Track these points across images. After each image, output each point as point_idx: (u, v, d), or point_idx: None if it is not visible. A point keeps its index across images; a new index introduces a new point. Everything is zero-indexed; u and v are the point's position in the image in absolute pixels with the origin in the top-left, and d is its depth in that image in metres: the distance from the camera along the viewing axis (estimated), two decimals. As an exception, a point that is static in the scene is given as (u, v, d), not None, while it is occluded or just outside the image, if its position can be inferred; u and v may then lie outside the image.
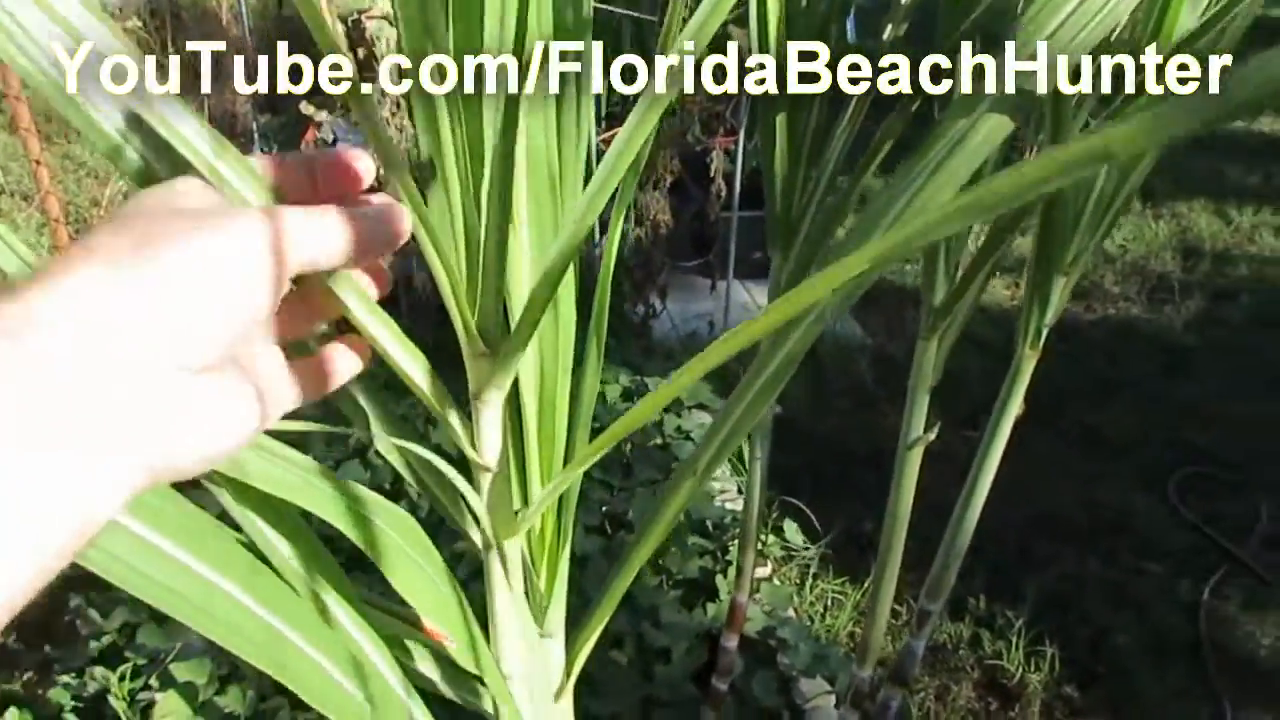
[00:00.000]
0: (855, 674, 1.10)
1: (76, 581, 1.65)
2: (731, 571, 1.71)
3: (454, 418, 0.50)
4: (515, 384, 0.60)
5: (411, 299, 2.66)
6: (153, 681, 1.45)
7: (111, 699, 1.44)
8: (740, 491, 2.13)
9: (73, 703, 1.47)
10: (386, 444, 0.55)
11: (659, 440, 2.05)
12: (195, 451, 0.31)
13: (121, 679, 1.45)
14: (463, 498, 0.52)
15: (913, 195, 0.62)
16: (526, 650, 0.61)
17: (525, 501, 0.61)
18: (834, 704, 1.58)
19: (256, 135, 3.23)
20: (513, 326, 0.48)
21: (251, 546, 0.51)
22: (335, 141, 3.40)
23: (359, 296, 0.42)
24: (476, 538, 0.56)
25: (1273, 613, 2.09)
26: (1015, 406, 0.99)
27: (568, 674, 0.66)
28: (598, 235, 2.56)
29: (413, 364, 0.47)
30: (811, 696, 1.56)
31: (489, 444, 0.50)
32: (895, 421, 2.81)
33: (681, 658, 1.54)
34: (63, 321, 0.27)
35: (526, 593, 0.63)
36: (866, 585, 2.08)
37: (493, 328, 0.47)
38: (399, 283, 2.64)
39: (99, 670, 1.47)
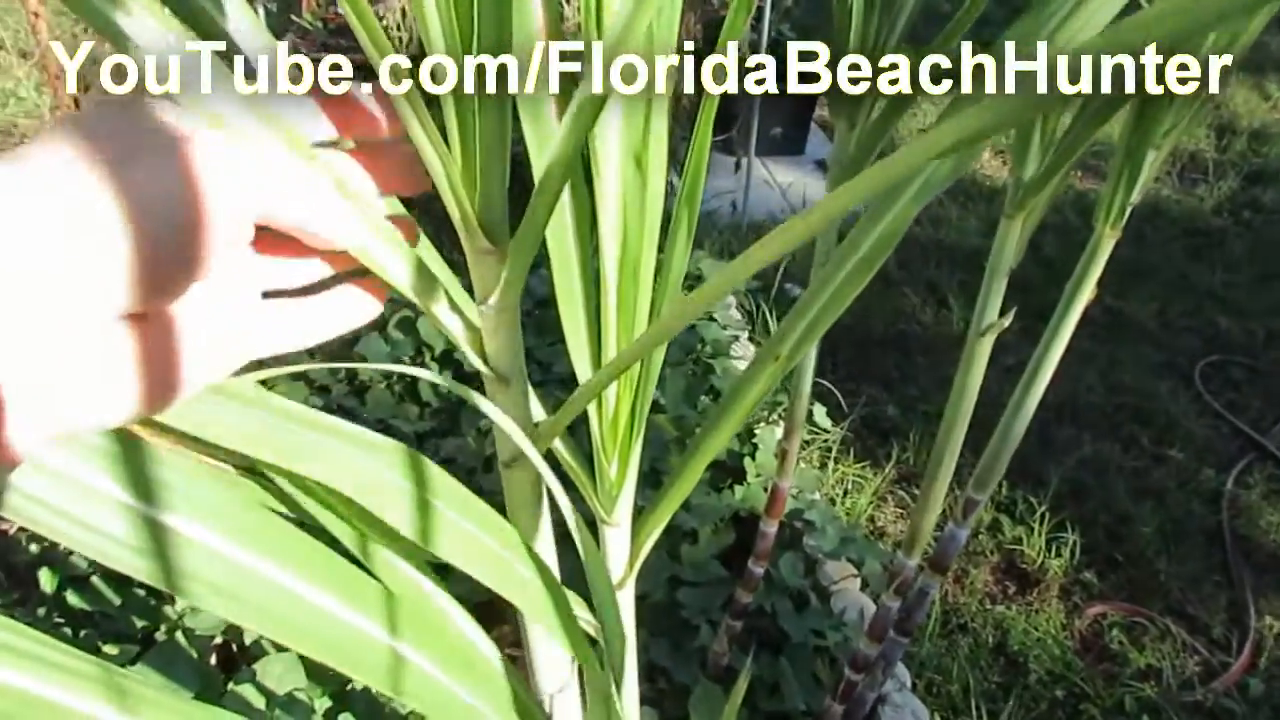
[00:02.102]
0: (902, 561, 1.08)
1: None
2: (759, 454, 1.68)
3: (458, 325, 0.43)
4: (597, 250, 0.54)
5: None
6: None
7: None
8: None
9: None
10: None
11: (682, 320, 1.99)
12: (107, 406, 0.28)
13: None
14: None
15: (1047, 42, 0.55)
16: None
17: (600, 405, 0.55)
18: (859, 586, 1.57)
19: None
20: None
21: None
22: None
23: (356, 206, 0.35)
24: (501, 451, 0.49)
25: (1296, 500, 2.09)
26: (1088, 289, 0.93)
27: (630, 566, 0.62)
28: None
29: (396, 259, 0.39)
30: (838, 579, 1.55)
31: (498, 354, 0.44)
32: (914, 304, 2.76)
33: (709, 539, 1.53)
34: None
35: (594, 476, 0.58)
36: (888, 470, 2.07)
37: (498, 219, 0.40)
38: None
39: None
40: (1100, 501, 2.06)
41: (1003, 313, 0.89)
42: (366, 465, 0.41)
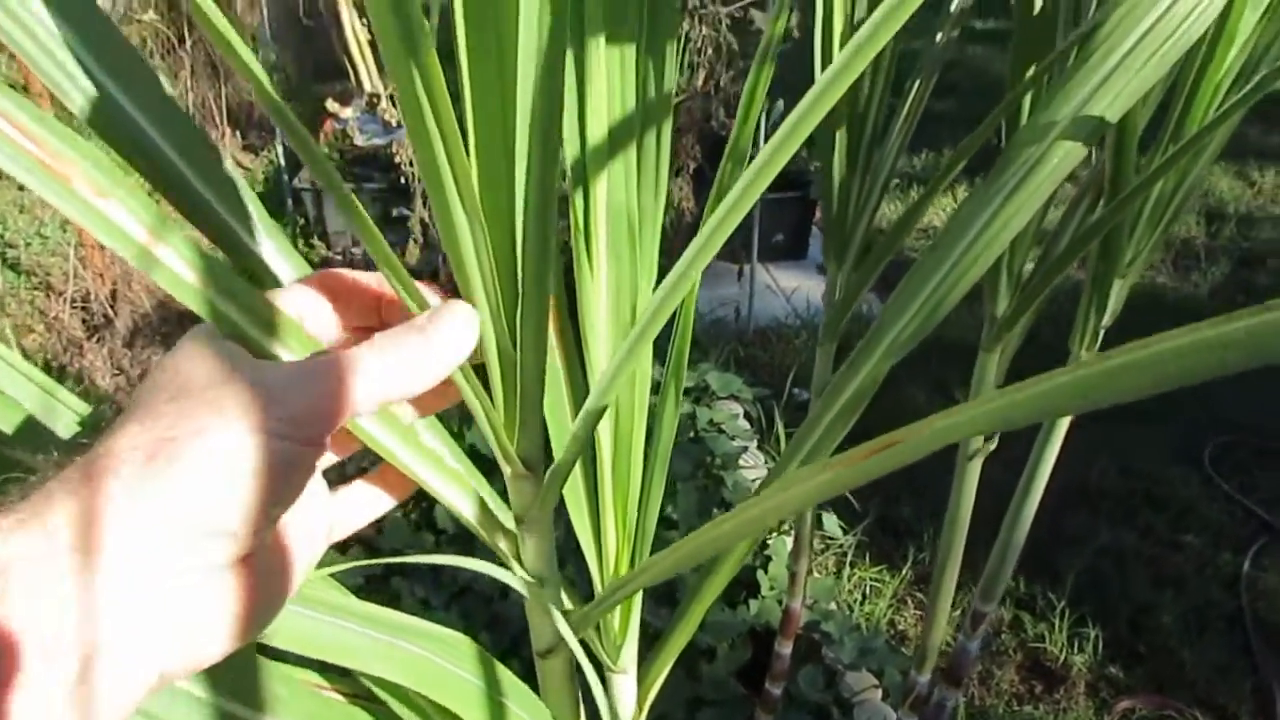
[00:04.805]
0: (914, 678, 1.10)
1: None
2: (772, 566, 1.71)
3: (501, 541, 0.49)
4: (594, 446, 0.59)
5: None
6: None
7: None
8: (774, 480, 2.13)
9: None
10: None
11: (692, 434, 2.04)
12: (211, 647, 0.31)
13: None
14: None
15: (983, 227, 0.61)
16: None
17: (603, 575, 0.60)
18: (880, 697, 1.58)
19: (276, 126, 3.22)
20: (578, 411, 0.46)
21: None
22: (347, 130, 3.37)
23: (399, 434, 0.41)
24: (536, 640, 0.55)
25: (1315, 582, 2.09)
26: (1071, 409, 0.98)
27: (640, 708, 0.66)
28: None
29: (460, 497, 0.46)
30: (859, 690, 1.56)
31: (535, 562, 0.49)
32: (920, 401, 2.80)
33: (726, 656, 1.55)
34: (79, 551, 0.28)
35: (599, 632, 0.63)
36: (905, 572, 2.08)
37: (535, 452, 0.45)
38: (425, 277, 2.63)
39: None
40: (1120, 591, 2.07)
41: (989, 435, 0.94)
42: (442, 665, 0.46)
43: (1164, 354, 0.29)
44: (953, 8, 0.86)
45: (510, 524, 0.48)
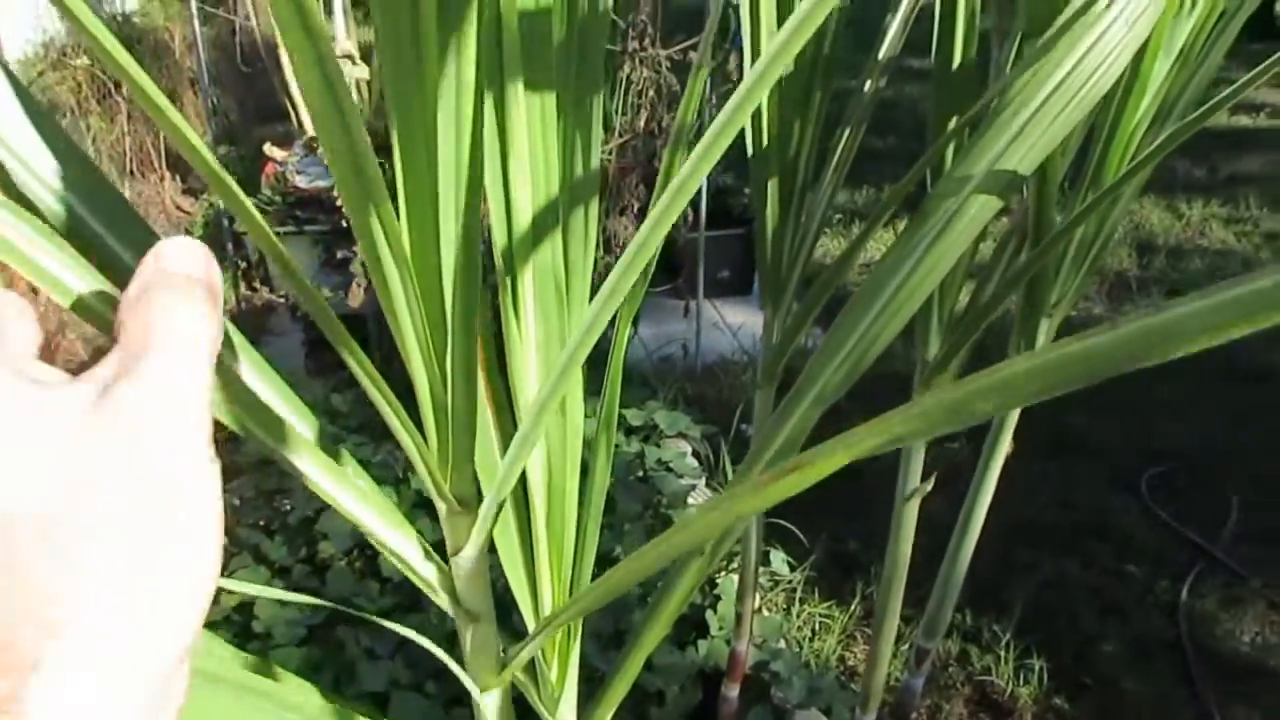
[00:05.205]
0: (860, 718, 1.10)
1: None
2: (721, 605, 1.70)
3: (433, 574, 0.49)
4: (523, 481, 0.59)
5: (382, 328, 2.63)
6: None
7: None
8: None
9: None
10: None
11: (640, 473, 2.04)
12: None
13: None
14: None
15: (904, 278, 0.62)
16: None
17: (536, 614, 0.60)
18: (831, 734, 1.58)
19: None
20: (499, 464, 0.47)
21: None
22: (289, 173, 3.34)
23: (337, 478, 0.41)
24: (466, 682, 0.55)
25: (1250, 608, 2.13)
26: (1004, 447, 1.00)
27: (580, 761, 0.65)
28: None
29: (397, 537, 0.46)
30: (809, 729, 1.56)
31: (470, 597, 0.49)
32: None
33: (675, 699, 1.54)
34: None
35: (536, 682, 0.62)
36: (853, 607, 2.09)
37: (468, 489, 0.46)
38: (370, 318, 2.61)
39: None
40: (1065, 622, 2.09)
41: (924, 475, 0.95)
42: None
43: (1014, 376, 0.32)
44: (880, 55, 0.89)
45: (444, 562, 0.48)
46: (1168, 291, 3.44)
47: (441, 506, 0.47)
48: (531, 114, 0.49)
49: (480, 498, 0.48)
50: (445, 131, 0.39)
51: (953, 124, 0.77)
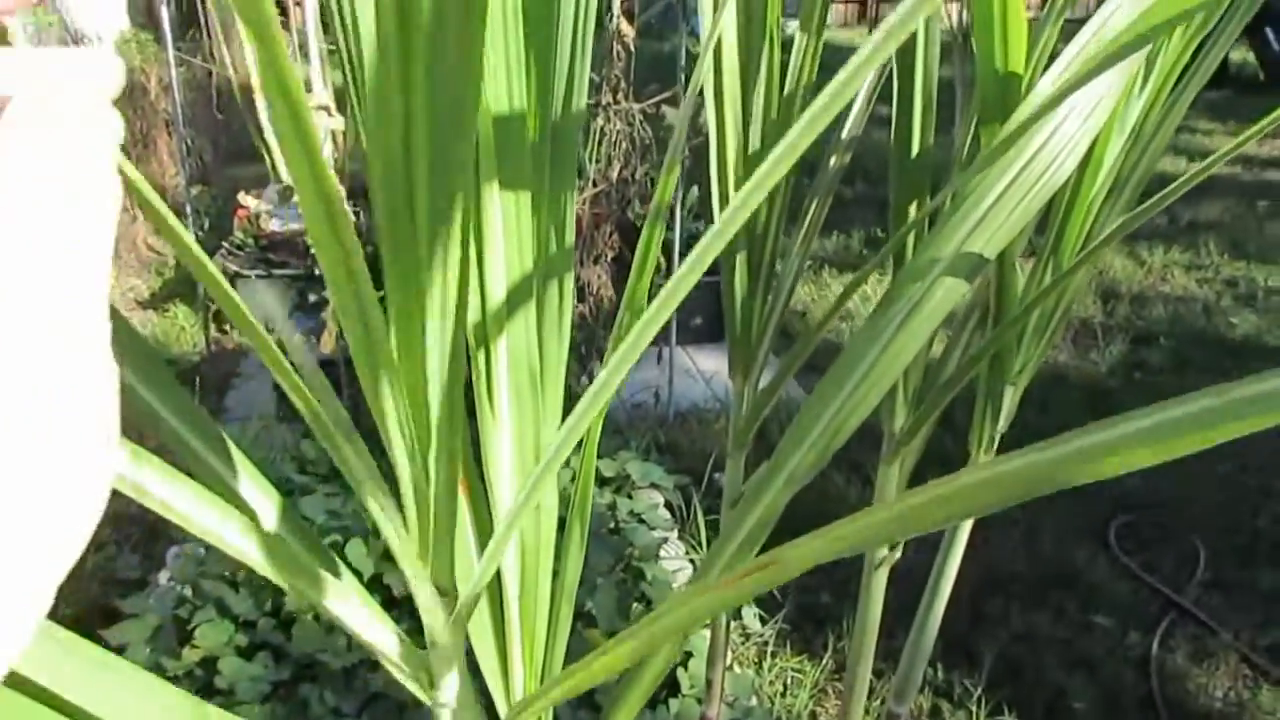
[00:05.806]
0: (830, 786, 1.10)
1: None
2: (692, 664, 1.69)
3: (413, 660, 0.49)
4: (499, 581, 0.59)
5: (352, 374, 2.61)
6: None
7: None
8: (695, 566, 2.13)
9: None
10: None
11: (612, 525, 2.03)
12: None
13: None
14: None
15: (873, 363, 0.63)
16: None
17: (508, 699, 0.59)
18: (803, 794, 1.56)
19: (189, 209, 3.18)
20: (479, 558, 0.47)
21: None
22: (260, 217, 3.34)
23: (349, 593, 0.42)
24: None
25: (1221, 660, 2.14)
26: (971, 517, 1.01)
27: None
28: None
29: (377, 629, 0.46)
30: (781, 790, 1.54)
31: (447, 687, 0.50)
32: (839, 486, 2.82)
33: (648, 759, 1.52)
34: None
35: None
36: (825, 661, 2.08)
37: (446, 579, 0.47)
38: (342, 364, 2.60)
39: None
40: (1035, 676, 2.09)
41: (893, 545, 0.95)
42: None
43: (966, 487, 0.37)
44: (843, 134, 0.90)
45: (423, 650, 0.49)
46: (1132, 339, 3.50)
47: (420, 595, 0.47)
48: (506, 213, 0.50)
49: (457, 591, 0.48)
50: (427, 247, 0.41)
51: (913, 213, 0.79)
